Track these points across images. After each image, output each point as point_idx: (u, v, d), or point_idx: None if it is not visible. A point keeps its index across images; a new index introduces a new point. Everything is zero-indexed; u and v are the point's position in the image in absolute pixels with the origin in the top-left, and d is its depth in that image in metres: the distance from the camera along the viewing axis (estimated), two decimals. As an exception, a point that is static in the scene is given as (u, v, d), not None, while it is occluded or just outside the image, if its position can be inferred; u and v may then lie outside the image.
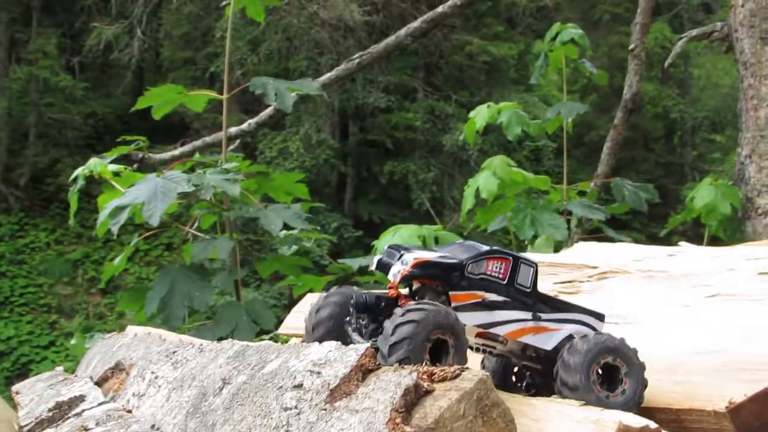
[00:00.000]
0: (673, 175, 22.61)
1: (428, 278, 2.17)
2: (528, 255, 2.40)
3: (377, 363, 1.97)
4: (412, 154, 20.91)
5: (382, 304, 2.23)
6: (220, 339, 5.61)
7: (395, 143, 20.92)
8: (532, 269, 2.24)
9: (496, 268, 2.20)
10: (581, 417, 1.86)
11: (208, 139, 9.52)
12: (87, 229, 22.56)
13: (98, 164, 6.05)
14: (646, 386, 2.13)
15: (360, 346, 2.02)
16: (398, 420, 1.59)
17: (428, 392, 1.67)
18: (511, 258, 2.22)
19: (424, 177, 20.19)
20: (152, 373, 3.09)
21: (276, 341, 4.13)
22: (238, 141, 10.19)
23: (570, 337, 2.27)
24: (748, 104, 7.33)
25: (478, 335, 2.21)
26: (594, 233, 8.92)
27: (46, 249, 22.33)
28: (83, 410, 2.75)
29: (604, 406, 2.01)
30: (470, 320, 2.15)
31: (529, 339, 2.24)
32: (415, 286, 2.30)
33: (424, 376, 1.72)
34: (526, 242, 6.76)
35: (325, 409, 1.82)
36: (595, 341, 2.15)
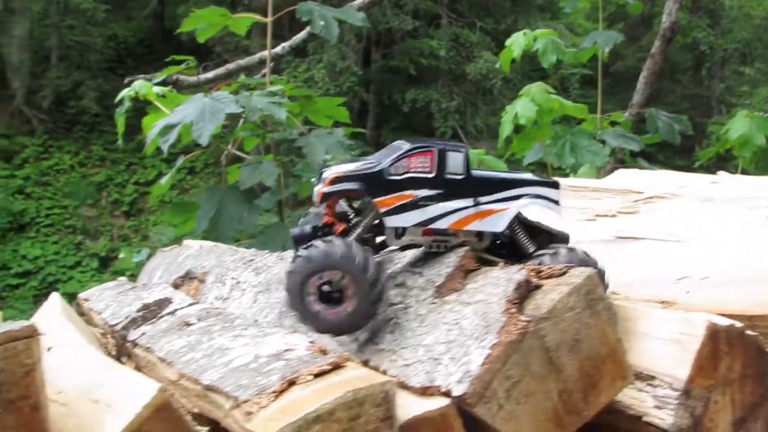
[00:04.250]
0: (700, 108, 22.33)
1: (348, 192, 2.13)
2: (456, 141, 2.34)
3: (477, 264, 2.11)
4: (435, 82, 20.75)
5: (318, 234, 2.21)
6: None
7: (418, 70, 20.72)
8: (462, 155, 2.17)
9: (421, 163, 2.14)
10: (669, 317, 2.00)
11: (242, 62, 9.55)
12: (110, 152, 22.72)
13: (144, 86, 6.09)
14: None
15: (459, 250, 2.16)
16: (513, 310, 1.73)
17: (537, 287, 1.81)
18: (434, 149, 2.15)
19: (447, 105, 20.08)
20: (233, 278, 3.26)
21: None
22: (266, 68, 10.21)
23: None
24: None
25: (425, 233, 2.18)
26: (622, 165, 8.95)
27: (71, 171, 22.51)
28: (175, 310, 2.91)
29: None
30: (406, 221, 2.13)
31: (476, 225, 2.19)
32: (353, 202, 2.30)
33: (532, 273, 1.86)
34: (567, 170, 6.82)
35: (435, 303, 1.97)
36: (568, 257, 2.12)
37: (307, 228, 2.22)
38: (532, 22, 20.23)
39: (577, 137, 7.06)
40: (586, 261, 2.09)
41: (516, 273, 1.84)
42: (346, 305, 2.01)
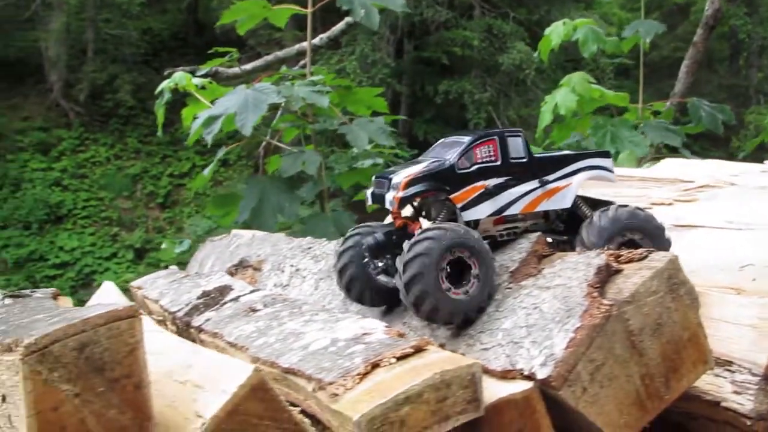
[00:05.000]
0: (737, 98, 21.95)
1: (424, 193, 2.14)
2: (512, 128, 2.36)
3: (550, 250, 2.12)
4: (468, 74, 20.60)
5: (394, 238, 2.25)
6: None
7: (451, 61, 20.60)
8: (520, 138, 2.21)
9: (486, 152, 2.17)
10: (746, 302, 2.00)
11: (280, 53, 9.64)
12: (145, 145, 22.95)
13: (183, 77, 6.16)
14: None
15: (531, 235, 2.17)
16: (595, 294, 1.73)
17: (617, 271, 1.81)
18: (496, 137, 2.18)
19: (480, 97, 19.93)
20: (291, 266, 3.30)
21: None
22: (306, 59, 10.30)
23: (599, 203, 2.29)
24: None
25: (496, 222, 2.22)
26: (660, 155, 8.85)
27: (106, 164, 22.75)
28: (238, 296, 2.96)
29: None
30: (482, 212, 2.15)
31: (544, 205, 2.23)
32: (416, 201, 2.31)
33: (611, 258, 1.86)
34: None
35: (510, 288, 1.98)
36: (625, 215, 2.17)
37: (380, 236, 2.25)
38: (566, 12, 20.02)
39: (619, 128, 7.02)
40: (637, 214, 2.14)
41: (595, 257, 1.85)
42: (471, 284, 2.02)
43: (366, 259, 2.32)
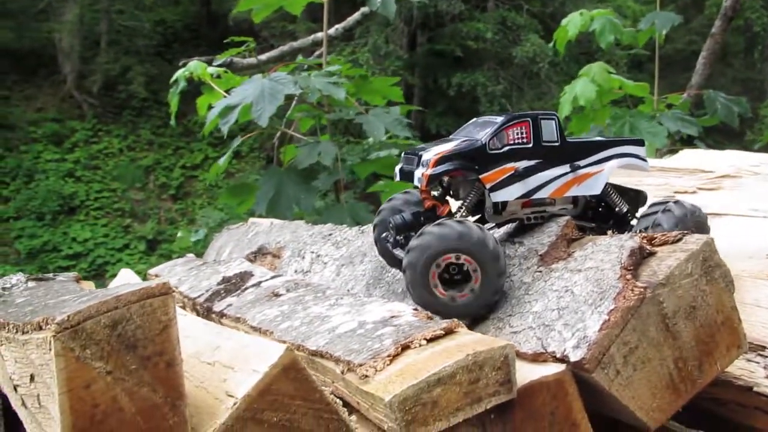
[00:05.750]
0: (752, 92, 21.76)
1: (454, 171, 2.12)
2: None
3: (579, 234, 2.09)
4: (481, 66, 20.52)
5: (422, 219, 2.23)
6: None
7: (464, 53, 20.53)
8: (554, 122, 2.18)
9: (518, 134, 2.14)
10: (780, 287, 1.97)
11: (295, 44, 9.61)
12: (158, 137, 23.01)
13: (199, 67, 6.15)
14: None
15: (560, 219, 2.15)
16: (629, 276, 1.71)
17: (651, 254, 1.79)
18: (529, 119, 2.15)
19: (493, 89, 19.86)
20: (312, 252, 3.28)
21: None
22: (323, 48, 10.27)
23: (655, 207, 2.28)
24: None
25: (524, 206, 2.19)
26: (674, 147, 8.78)
27: (119, 155, 22.84)
28: (259, 282, 2.95)
29: None
30: (511, 194, 2.13)
31: (574, 191, 2.21)
32: (445, 180, 2.30)
33: (644, 240, 1.83)
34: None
35: (540, 271, 1.96)
36: (690, 211, 2.19)
37: (408, 215, 2.23)
38: (580, 4, 19.90)
39: (637, 119, 6.98)
40: (695, 211, 2.13)
41: (628, 240, 1.83)
42: (462, 294, 2.00)
43: (385, 234, 2.33)
